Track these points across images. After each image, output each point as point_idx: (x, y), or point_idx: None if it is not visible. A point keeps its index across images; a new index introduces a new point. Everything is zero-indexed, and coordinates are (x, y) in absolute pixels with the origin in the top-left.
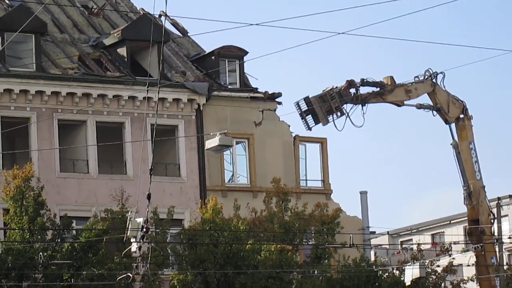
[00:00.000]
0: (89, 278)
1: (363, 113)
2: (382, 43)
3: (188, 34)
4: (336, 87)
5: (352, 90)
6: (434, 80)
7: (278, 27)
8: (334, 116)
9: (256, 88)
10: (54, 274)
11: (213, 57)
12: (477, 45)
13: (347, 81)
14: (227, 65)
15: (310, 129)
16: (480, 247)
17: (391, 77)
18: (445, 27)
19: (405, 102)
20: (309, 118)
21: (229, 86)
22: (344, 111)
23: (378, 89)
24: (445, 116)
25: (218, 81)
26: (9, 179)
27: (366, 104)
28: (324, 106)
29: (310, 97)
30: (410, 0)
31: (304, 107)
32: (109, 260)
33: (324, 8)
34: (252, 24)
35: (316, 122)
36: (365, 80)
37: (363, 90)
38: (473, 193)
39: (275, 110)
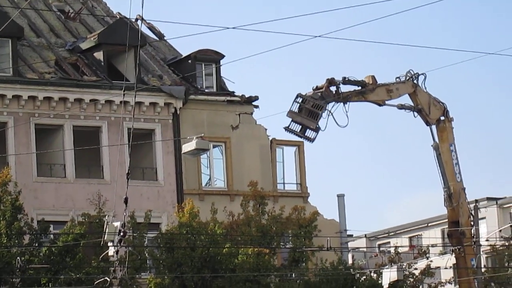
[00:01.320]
0: (66, 283)
1: (346, 112)
2: (360, 45)
3: (165, 38)
4: (316, 86)
5: (333, 88)
6: (415, 81)
7: (254, 31)
8: (321, 116)
9: (233, 92)
10: (32, 279)
11: (189, 61)
12: (458, 47)
13: (327, 79)
14: (203, 68)
15: (313, 141)
16: (458, 249)
17: (373, 76)
18: (426, 29)
19: (386, 102)
20: (309, 132)
21: (206, 90)
22: (328, 111)
23: (360, 88)
24: (426, 118)
25: (195, 84)
26: None
27: (348, 103)
28: (305, 114)
29: (288, 113)
30: (389, 2)
31: (296, 129)
32: (87, 264)
33: (301, 11)
34: (228, 28)
35: (312, 131)
36: (346, 79)
37: (344, 88)
38: (454, 195)
39: (252, 113)
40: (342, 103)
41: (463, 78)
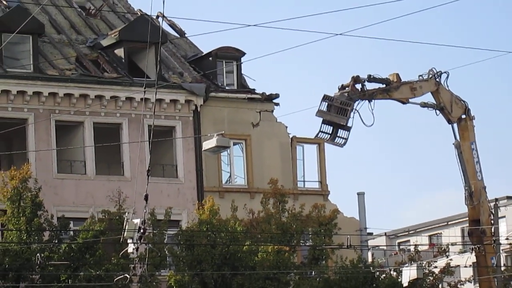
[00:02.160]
0: (86, 279)
1: (371, 110)
2: (381, 43)
3: (186, 35)
4: (342, 85)
5: (358, 86)
6: (437, 79)
7: (275, 28)
8: (350, 113)
9: (254, 89)
10: (51, 275)
11: (210, 58)
12: (478, 46)
13: (353, 77)
14: (224, 66)
15: (343, 145)
16: (478, 248)
17: (397, 74)
18: (446, 28)
19: (410, 100)
20: (338, 139)
21: (227, 87)
22: (355, 109)
23: (384, 85)
24: (448, 116)
25: (216, 82)
26: (6, 180)
27: (373, 101)
28: (334, 112)
29: (317, 112)
30: (410, 0)
31: (327, 131)
32: (107, 261)
33: (322, 9)
34: (249, 25)
35: (341, 139)
36: (372, 77)
37: (369, 86)
38: (474, 194)
39: (272, 111)
40: (367, 101)
41: (484, 76)
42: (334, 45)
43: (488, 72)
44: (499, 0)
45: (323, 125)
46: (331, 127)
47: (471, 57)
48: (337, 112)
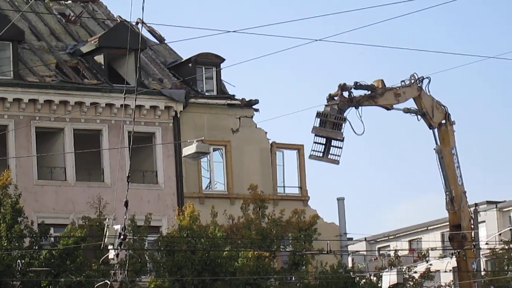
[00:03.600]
0: (67, 285)
1: (360, 117)
2: (361, 49)
3: (165, 42)
4: (329, 95)
5: (345, 94)
6: (420, 85)
7: (255, 34)
8: (343, 126)
9: (233, 95)
10: (32, 282)
11: (190, 64)
12: (459, 51)
13: (339, 85)
14: (204, 72)
15: (338, 162)
16: (458, 253)
17: (382, 80)
18: (427, 33)
19: (394, 106)
20: (332, 154)
21: (206, 93)
22: (346, 117)
23: (370, 92)
24: (430, 121)
25: (195, 88)
26: None
27: (360, 107)
28: (329, 127)
29: (313, 129)
30: (390, 6)
31: (318, 150)
32: (87, 267)
33: (301, 15)
34: (229, 31)
35: (334, 155)
36: (358, 83)
37: (355, 93)
38: (455, 198)
39: (252, 117)
40: (354, 108)
41: (464, 82)
42: (314, 50)
43: (469, 77)
44: (481, 6)
45: (313, 149)
46: (322, 144)
47: (453, 62)
48: (332, 127)
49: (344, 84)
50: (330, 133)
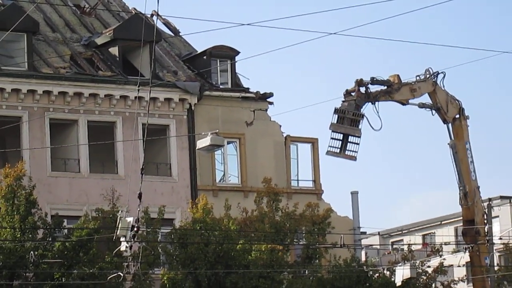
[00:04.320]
0: (80, 277)
1: (377, 113)
2: (375, 43)
3: (180, 34)
4: (346, 90)
5: (362, 89)
6: (434, 80)
7: (270, 27)
8: (361, 123)
9: (248, 88)
10: (45, 273)
11: (204, 57)
12: (472, 46)
13: (356, 81)
14: (218, 65)
15: (356, 158)
16: (471, 248)
17: (398, 76)
18: (440, 27)
19: (409, 101)
20: (349, 151)
21: (221, 86)
22: (364, 114)
23: (386, 87)
24: (444, 116)
25: (210, 80)
26: (0, 178)
27: (377, 103)
28: (347, 123)
29: (331, 126)
30: (404, 0)
31: (336, 146)
32: (100, 259)
33: (317, 8)
34: (243, 24)
35: (351, 151)
36: (374, 79)
37: (372, 88)
38: (469, 194)
39: (266, 110)
40: (371, 103)
41: (478, 76)
42: (329, 44)
43: (483, 71)
44: (494, 0)
45: (330, 145)
46: (339, 140)
47: (466, 57)
48: (350, 123)
49: (361, 79)
50: (348, 129)
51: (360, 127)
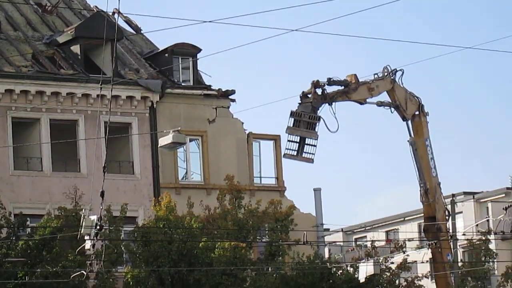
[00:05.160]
0: (43, 276)
1: (334, 114)
2: (337, 39)
3: (142, 32)
4: (303, 92)
5: (318, 90)
6: (393, 77)
7: (231, 24)
8: (317, 126)
9: (210, 86)
10: (9, 272)
11: (166, 55)
12: (437, 41)
13: (312, 83)
14: (180, 62)
15: (313, 161)
16: (435, 244)
17: (355, 75)
18: (405, 22)
19: (367, 100)
20: (306, 153)
21: (183, 84)
22: (320, 116)
23: (343, 87)
24: (403, 113)
25: (172, 78)
26: None
27: (334, 103)
28: (304, 127)
29: (287, 129)
30: None
31: (293, 149)
32: (63, 257)
33: (278, 5)
34: (205, 22)
35: (309, 153)
36: (331, 80)
37: (328, 89)
38: (430, 190)
39: (228, 107)
40: (328, 104)
41: (441, 72)
42: (290, 41)
43: (446, 67)
44: None
45: (287, 147)
46: (296, 143)
47: (430, 52)
48: (306, 127)
49: (317, 81)
50: (304, 133)
51: (316, 129)
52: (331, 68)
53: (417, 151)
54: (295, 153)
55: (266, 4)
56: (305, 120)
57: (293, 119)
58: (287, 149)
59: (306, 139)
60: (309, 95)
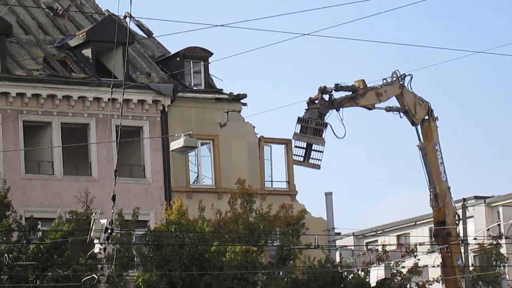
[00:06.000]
0: (54, 280)
1: (341, 120)
2: (349, 44)
3: (153, 35)
4: (310, 98)
5: (326, 96)
6: (401, 82)
7: (242, 28)
8: (324, 132)
9: (221, 89)
10: (20, 276)
11: (178, 58)
12: (446, 46)
13: (319, 88)
14: (192, 66)
15: (320, 167)
16: (446, 248)
17: (363, 81)
18: (413, 28)
19: (375, 106)
20: (313, 159)
21: (194, 88)
22: (327, 123)
23: (351, 93)
24: (412, 118)
25: (183, 82)
26: None
27: (341, 109)
28: (311, 133)
29: (294, 136)
30: (377, 1)
31: (300, 155)
32: (74, 261)
33: (290, 9)
34: (217, 25)
35: (315, 159)
36: (339, 85)
37: (336, 95)
38: (439, 195)
39: (240, 111)
40: (335, 110)
41: (451, 76)
42: (302, 45)
43: (456, 71)
44: (465, 0)
45: (294, 152)
46: (303, 149)
47: (440, 57)
48: (313, 133)
49: (325, 86)
50: (311, 139)
51: (323, 136)
52: (342, 72)
53: (426, 155)
54: (301, 159)
55: (278, 8)
56: (312, 127)
57: (300, 125)
58: (294, 155)
59: (313, 145)
60: (316, 101)
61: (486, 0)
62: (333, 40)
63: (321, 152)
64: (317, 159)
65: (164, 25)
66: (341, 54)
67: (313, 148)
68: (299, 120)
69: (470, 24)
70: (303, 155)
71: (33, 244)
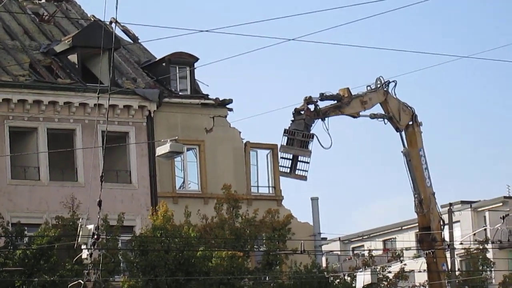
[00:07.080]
0: (41, 285)
1: (327, 130)
2: (334, 49)
3: (139, 41)
4: (295, 109)
5: (311, 106)
6: (385, 89)
7: (228, 34)
8: (311, 143)
9: (207, 95)
10: (6, 281)
11: (163, 64)
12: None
13: (305, 99)
14: (177, 71)
15: (306, 178)
16: (432, 253)
17: (348, 89)
18: (401, 32)
19: (360, 114)
20: (300, 170)
21: (180, 93)
22: (314, 134)
23: (336, 102)
24: (396, 124)
25: (169, 87)
26: None
27: (327, 118)
28: (297, 145)
29: (281, 148)
30: (361, 6)
31: (286, 166)
32: (61, 267)
33: (275, 15)
34: (202, 31)
35: (302, 171)
36: (324, 94)
37: (321, 104)
38: (424, 201)
39: (226, 116)
40: (321, 120)
41: (438, 80)
42: (287, 50)
43: (440, 76)
44: (447, 6)
45: (280, 164)
46: (290, 160)
47: (425, 62)
48: (300, 145)
49: (310, 97)
50: (297, 151)
51: (310, 147)
52: (327, 76)
53: (411, 161)
54: (288, 170)
55: (263, 13)
56: (298, 139)
57: (286, 137)
58: (281, 166)
59: (299, 156)
60: (302, 112)
61: (472, 5)
62: (318, 45)
63: (307, 163)
64: (303, 170)
65: (150, 30)
66: (327, 59)
67: (299, 159)
68: (285, 132)
69: (455, 28)
70: (289, 166)
71: (20, 249)
